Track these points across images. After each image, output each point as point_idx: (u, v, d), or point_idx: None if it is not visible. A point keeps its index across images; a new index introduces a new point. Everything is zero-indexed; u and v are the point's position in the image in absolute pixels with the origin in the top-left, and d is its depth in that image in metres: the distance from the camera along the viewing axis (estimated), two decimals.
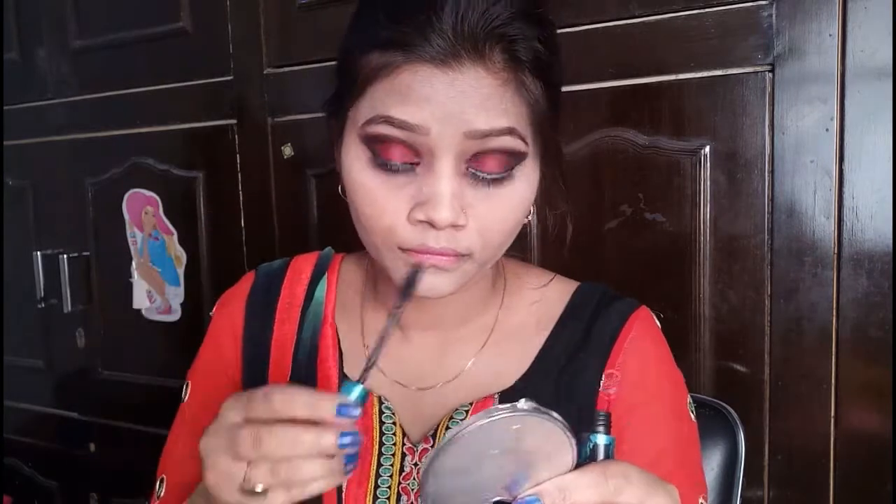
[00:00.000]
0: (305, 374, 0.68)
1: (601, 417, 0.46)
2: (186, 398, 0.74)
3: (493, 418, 0.42)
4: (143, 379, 1.49)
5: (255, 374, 0.70)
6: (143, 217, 1.44)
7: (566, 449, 0.44)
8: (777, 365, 0.92)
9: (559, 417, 0.43)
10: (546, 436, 0.43)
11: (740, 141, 0.91)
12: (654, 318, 0.70)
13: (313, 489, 0.48)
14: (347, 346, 0.70)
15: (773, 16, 0.87)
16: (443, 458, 0.43)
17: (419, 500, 0.47)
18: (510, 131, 0.54)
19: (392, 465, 0.64)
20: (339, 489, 0.63)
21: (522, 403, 0.42)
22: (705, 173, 0.93)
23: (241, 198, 1.32)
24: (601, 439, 0.46)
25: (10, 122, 1.60)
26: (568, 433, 0.43)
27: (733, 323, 0.94)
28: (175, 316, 1.43)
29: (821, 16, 0.85)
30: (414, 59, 0.52)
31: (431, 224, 0.55)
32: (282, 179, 1.27)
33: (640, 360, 0.65)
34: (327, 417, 0.46)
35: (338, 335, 0.70)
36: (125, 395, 1.52)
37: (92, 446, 1.59)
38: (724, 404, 0.85)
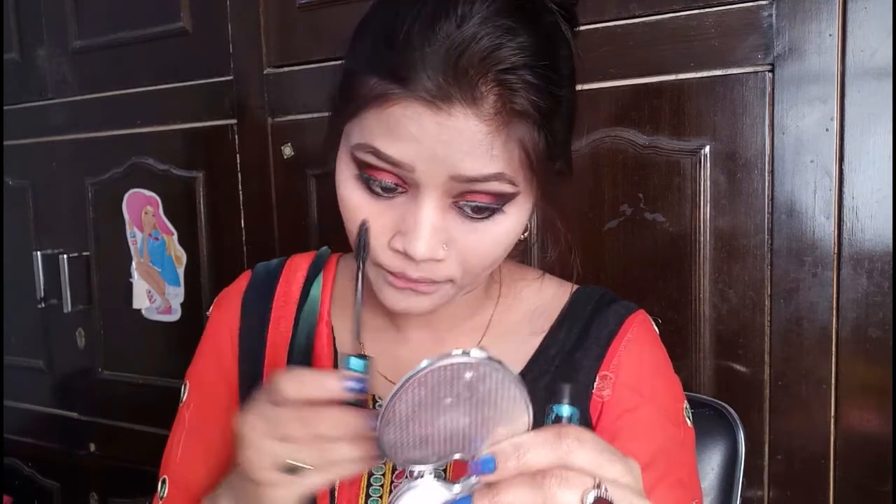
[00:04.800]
0: None
1: (564, 389, 0.46)
2: (185, 399, 0.74)
3: (445, 363, 0.41)
4: (143, 379, 1.49)
5: (250, 372, 0.70)
6: (143, 217, 1.44)
7: (521, 408, 0.43)
8: (777, 365, 0.92)
9: (512, 371, 0.42)
10: (500, 390, 0.42)
11: (740, 141, 0.91)
12: (652, 322, 0.70)
13: (347, 470, 0.50)
14: (342, 345, 0.70)
15: (773, 16, 0.87)
16: (396, 404, 0.42)
17: (377, 448, 0.47)
18: (498, 177, 0.52)
19: (385, 464, 0.63)
20: (332, 488, 0.63)
21: (476, 352, 0.41)
22: (705, 173, 0.93)
23: (241, 198, 1.32)
24: (565, 410, 0.45)
25: (10, 122, 1.60)
26: (521, 389, 0.43)
27: (733, 323, 0.94)
28: (175, 316, 1.43)
29: (821, 16, 0.85)
30: (406, 95, 0.50)
31: (408, 256, 0.54)
32: (282, 179, 1.27)
33: (635, 363, 0.65)
34: (336, 390, 0.49)
35: (333, 334, 0.70)
36: (125, 395, 1.52)
37: (92, 446, 1.59)
38: (724, 404, 0.85)
